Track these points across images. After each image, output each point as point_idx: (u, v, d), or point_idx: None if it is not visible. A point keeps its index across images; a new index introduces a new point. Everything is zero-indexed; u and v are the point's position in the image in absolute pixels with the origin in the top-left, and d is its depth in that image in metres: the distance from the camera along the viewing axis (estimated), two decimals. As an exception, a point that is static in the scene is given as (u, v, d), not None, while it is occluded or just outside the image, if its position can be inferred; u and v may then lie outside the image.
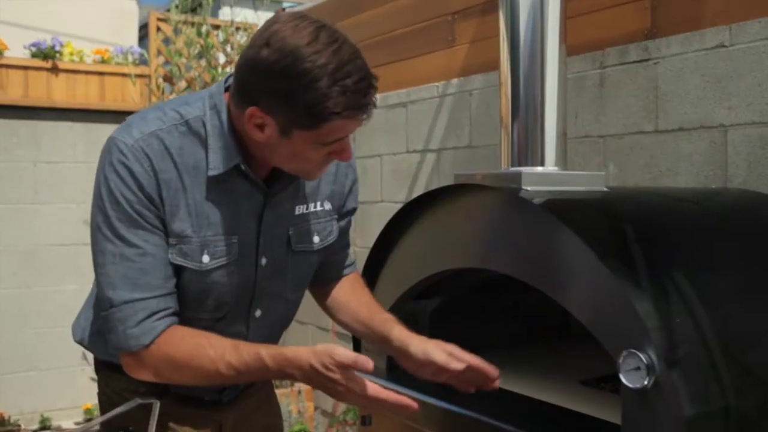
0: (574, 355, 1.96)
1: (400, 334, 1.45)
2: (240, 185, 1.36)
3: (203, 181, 1.33)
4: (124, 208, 1.28)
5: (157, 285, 1.30)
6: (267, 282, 1.45)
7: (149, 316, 1.30)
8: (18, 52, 4.59)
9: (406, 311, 1.79)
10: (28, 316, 4.45)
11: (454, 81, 2.91)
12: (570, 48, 1.98)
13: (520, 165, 1.72)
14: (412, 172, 3.12)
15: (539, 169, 1.69)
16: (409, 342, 1.43)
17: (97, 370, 1.54)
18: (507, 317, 2.05)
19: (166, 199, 1.30)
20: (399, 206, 1.81)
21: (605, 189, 1.64)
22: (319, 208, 1.50)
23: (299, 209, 1.46)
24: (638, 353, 1.18)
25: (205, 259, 1.34)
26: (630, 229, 1.40)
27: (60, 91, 4.58)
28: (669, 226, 1.51)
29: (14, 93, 4.45)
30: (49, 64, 4.54)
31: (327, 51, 1.20)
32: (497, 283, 1.68)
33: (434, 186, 2.94)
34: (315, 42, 1.20)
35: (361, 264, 1.83)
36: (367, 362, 1.21)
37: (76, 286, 4.41)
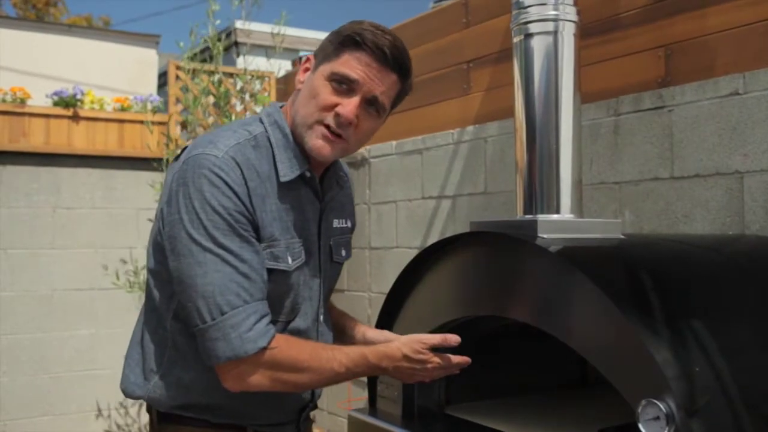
0: (592, 404, 1.94)
1: (355, 326, 1.64)
2: (305, 192, 1.47)
3: (276, 189, 1.41)
4: (223, 215, 1.32)
5: (260, 289, 1.35)
6: (325, 287, 1.55)
7: (260, 319, 1.33)
8: (40, 100, 4.67)
9: (421, 358, 1.78)
10: (43, 360, 4.45)
11: (470, 128, 2.93)
12: (584, 96, 2.00)
13: (535, 212, 1.72)
14: (428, 218, 3.13)
15: (555, 216, 1.69)
16: (365, 331, 1.62)
17: (160, 427, 1.47)
18: (524, 365, 2.03)
19: (256, 206, 1.36)
20: (414, 252, 1.81)
21: (621, 236, 1.63)
22: (346, 224, 1.62)
23: (336, 222, 1.58)
24: (657, 402, 1.16)
25: (290, 260, 1.42)
26: (647, 277, 1.39)
27: (80, 139, 4.65)
28: (686, 273, 1.50)
29: (36, 140, 4.52)
30: (70, 112, 4.62)
31: (378, 30, 1.39)
32: (513, 330, 1.67)
33: (449, 232, 2.95)
34: (378, 28, 1.40)
35: (376, 310, 1.83)
36: (454, 337, 1.42)
37: (92, 331, 4.43)
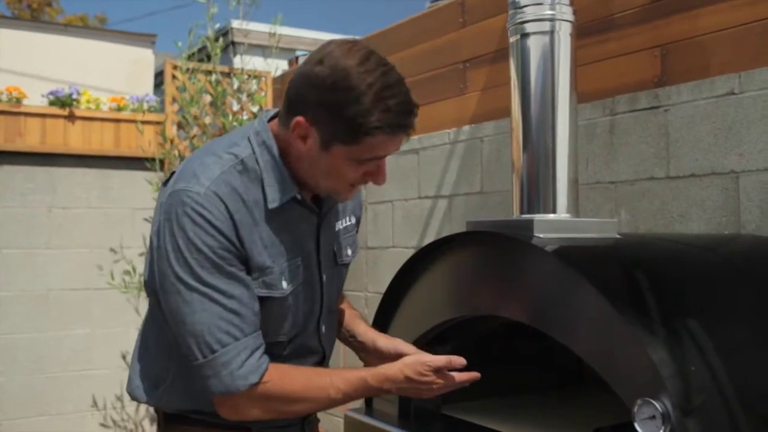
0: (588, 403, 1.94)
1: (366, 331, 1.60)
2: (297, 211, 1.42)
3: (266, 214, 1.38)
4: (207, 254, 1.29)
5: (252, 322, 1.34)
6: (327, 296, 1.52)
7: (251, 354, 1.32)
8: (36, 100, 4.67)
9: (418, 358, 1.78)
10: (40, 360, 4.44)
11: (466, 128, 2.94)
12: (580, 95, 2.00)
13: (531, 212, 1.72)
14: (424, 217, 3.13)
15: (551, 216, 1.70)
16: (376, 338, 1.56)
17: (168, 427, 1.49)
18: (520, 364, 2.03)
19: (244, 238, 1.33)
20: (410, 252, 1.81)
21: (617, 236, 1.64)
22: (348, 222, 1.59)
23: (338, 225, 1.55)
24: (653, 402, 1.17)
25: (284, 285, 1.39)
26: (643, 277, 1.39)
27: (76, 138, 4.65)
28: (682, 273, 1.50)
29: (32, 140, 4.51)
30: (66, 112, 4.61)
31: (375, 72, 1.29)
32: (510, 330, 1.67)
33: (446, 232, 2.95)
34: (365, 63, 1.29)
35: (372, 310, 1.83)
36: (459, 359, 1.38)
37: (87, 331, 4.43)
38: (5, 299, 4.35)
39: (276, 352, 1.41)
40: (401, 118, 1.31)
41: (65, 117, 4.61)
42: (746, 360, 1.34)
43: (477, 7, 2.96)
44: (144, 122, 4.63)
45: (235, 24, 4.82)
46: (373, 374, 1.39)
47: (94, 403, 4.44)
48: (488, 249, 1.62)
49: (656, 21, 2.19)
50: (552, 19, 1.75)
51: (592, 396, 1.97)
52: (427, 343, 1.82)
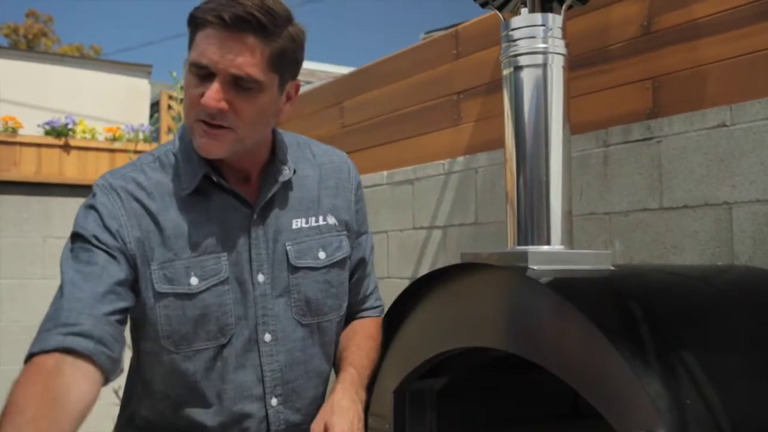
0: (585, 436, 1.93)
1: (344, 369, 1.47)
2: (221, 200, 1.36)
3: (181, 205, 1.33)
4: (84, 235, 1.29)
5: (82, 298, 1.21)
6: (270, 302, 1.40)
7: (58, 325, 1.17)
8: (32, 130, 4.69)
9: (412, 390, 1.77)
10: (31, 392, 4.42)
11: (460, 158, 2.95)
12: (574, 127, 2.02)
13: (526, 243, 1.72)
14: (419, 248, 3.13)
15: (545, 248, 1.70)
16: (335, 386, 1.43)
17: None
18: (515, 397, 2.02)
19: (133, 229, 1.30)
20: (405, 282, 1.81)
21: (612, 267, 1.64)
22: (321, 222, 1.47)
23: (297, 223, 1.43)
24: (649, 436, 1.16)
25: (194, 281, 1.32)
26: (638, 309, 1.39)
27: (71, 168, 4.67)
28: (677, 305, 1.50)
29: (27, 170, 4.53)
30: (61, 142, 4.63)
31: None
32: (505, 362, 1.67)
33: (440, 262, 2.95)
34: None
35: (367, 342, 1.81)
36: None
37: (81, 362, 4.40)
38: (-3, 330, 4.33)
39: (204, 363, 1.33)
40: (212, 6, 1.22)
41: (61, 147, 4.63)
42: (742, 392, 1.33)
43: (471, 39, 2.98)
44: (139, 152, 4.64)
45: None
46: None
47: (86, 435, 4.41)
48: (483, 281, 1.62)
49: (647, 53, 2.21)
50: (545, 52, 1.77)
51: (588, 429, 1.96)
52: (422, 375, 1.81)
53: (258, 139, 1.36)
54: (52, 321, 1.18)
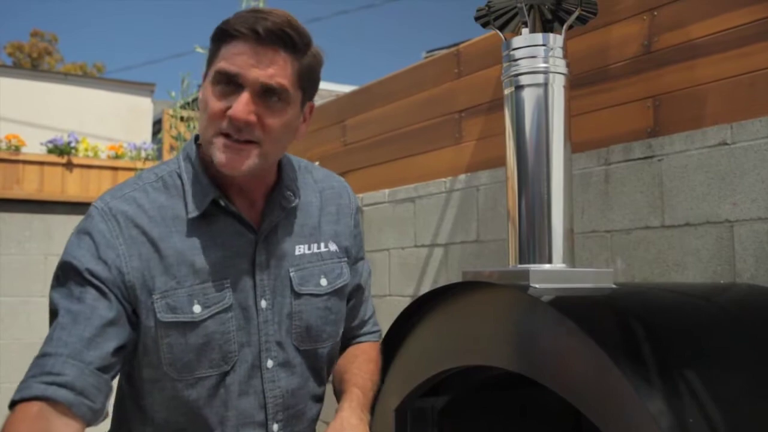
0: (587, 455, 1.92)
1: (347, 391, 1.44)
2: (226, 225, 1.33)
3: (184, 229, 1.30)
4: (77, 268, 1.25)
5: (70, 342, 1.19)
6: (272, 328, 1.37)
7: (42, 374, 1.16)
8: (35, 148, 4.71)
9: (414, 409, 1.76)
10: (31, 411, 4.41)
11: (462, 177, 2.96)
12: (575, 145, 2.03)
13: (527, 262, 1.72)
14: (420, 266, 3.13)
15: (547, 266, 1.70)
16: (339, 408, 1.40)
17: None
18: (517, 415, 2.01)
19: (134, 257, 1.27)
20: (407, 301, 1.81)
21: (614, 286, 1.64)
22: (323, 249, 1.44)
23: (300, 249, 1.41)
24: (652, 455, 1.15)
25: (197, 309, 1.28)
26: (640, 327, 1.39)
27: (74, 186, 4.68)
28: (679, 323, 1.50)
29: (29, 188, 4.54)
30: (64, 160, 4.65)
31: (248, 14, 1.26)
32: (507, 380, 1.66)
33: (442, 280, 2.95)
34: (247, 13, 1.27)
35: (369, 360, 1.81)
36: None
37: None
38: (-2, 348, 4.32)
39: (206, 390, 1.31)
40: (246, 21, 1.21)
41: (63, 165, 4.64)
42: (744, 411, 1.33)
43: (472, 59, 3.00)
44: (141, 169, 4.66)
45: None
46: None
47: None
48: (484, 299, 1.62)
49: (648, 72, 2.22)
50: (546, 72, 1.78)
51: (591, 447, 1.95)
52: (424, 394, 1.80)
53: (279, 157, 1.36)
54: (38, 367, 1.18)
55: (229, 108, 1.22)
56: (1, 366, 4.28)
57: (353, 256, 1.54)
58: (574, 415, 2.07)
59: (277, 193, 1.38)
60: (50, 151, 4.64)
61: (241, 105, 1.20)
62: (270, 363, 1.38)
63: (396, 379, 1.82)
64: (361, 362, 1.54)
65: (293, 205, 1.40)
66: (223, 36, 1.23)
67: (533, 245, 1.73)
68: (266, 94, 1.23)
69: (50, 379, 1.16)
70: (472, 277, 1.72)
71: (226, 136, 1.23)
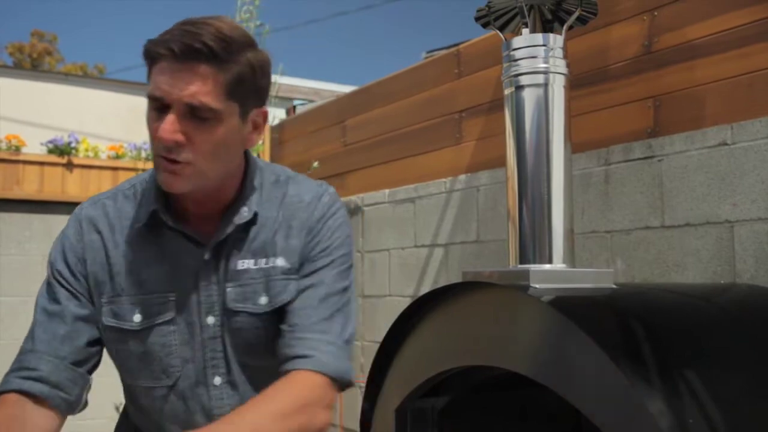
0: (587, 456, 1.92)
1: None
2: (172, 239, 1.31)
3: (137, 240, 1.32)
4: (51, 270, 1.33)
5: (44, 339, 1.29)
6: (219, 345, 1.33)
7: (19, 369, 1.27)
8: (35, 148, 4.70)
9: (414, 409, 1.76)
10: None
11: (462, 177, 2.96)
12: (575, 145, 2.03)
13: (527, 262, 1.73)
14: (420, 266, 3.13)
15: (547, 266, 1.70)
16: None
17: None
18: (517, 416, 2.01)
19: (89, 262, 1.32)
20: (407, 301, 1.81)
21: (614, 286, 1.64)
22: (271, 264, 1.34)
23: (243, 264, 1.33)
24: (652, 455, 1.15)
25: (137, 318, 1.30)
26: (640, 327, 1.39)
27: (74, 186, 4.67)
28: (679, 323, 1.50)
29: (30, 188, 4.53)
30: (64, 160, 4.64)
31: (169, 31, 1.22)
32: (507, 381, 1.66)
33: (442, 280, 2.95)
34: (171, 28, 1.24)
35: (369, 359, 1.81)
36: None
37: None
38: (-1, 348, 4.33)
39: (158, 401, 1.33)
40: (164, 38, 1.17)
41: (63, 165, 4.63)
42: (744, 411, 1.33)
43: (472, 59, 3.00)
44: (142, 170, 4.65)
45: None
46: None
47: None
48: (484, 299, 1.62)
49: (649, 73, 2.22)
50: (546, 72, 1.78)
51: (591, 448, 1.95)
52: (424, 394, 1.80)
53: (224, 173, 1.29)
54: (17, 363, 1.29)
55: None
56: (2, 366, 4.29)
57: (306, 271, 1.37)
58: (574, 415, 2.07)
59: (234, 207, 1.33)
60: (50, 152, 4.63)
61: (166, 125, 1.18)
62: (217, 380, 1.34)
63: (396, 380, 1.83)
64: (266, 412, 1.21)
65: (244, 221, 1.32)
66: (147, 57, 1.21)
67: (533, 245, 1.73)
68: (193, 112, 1.19)
69: (26, 374, 1.25)
70: (472, 277, 1.72)
71: (163, 157, 1.21)
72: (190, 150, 1.20)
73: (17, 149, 4.57)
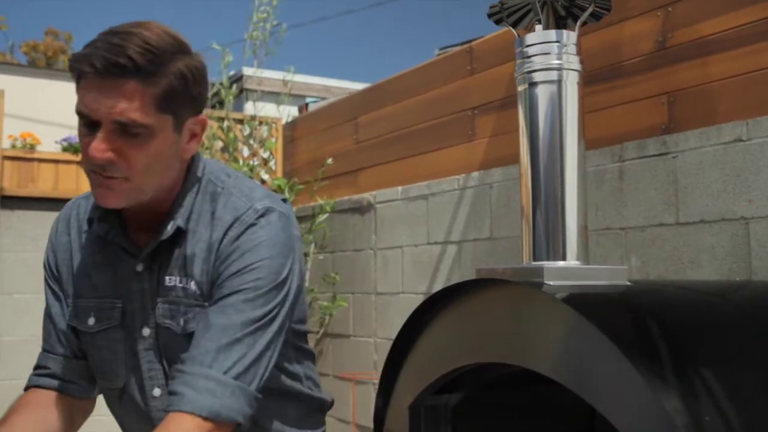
0: (601, 453, 1.91)
1: None
2: (112, 247, 1.30)
3: (91, 243, 1.36)
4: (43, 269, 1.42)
5: (46, 338, 1.41)
6: (154, 356, 1.30)
7: (36, 368, 1.41)
8: (50, 146, 4.73)
9: (428, 406, 1.76)
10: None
11: (475, 174, 2.95)
12: (589, 142, 2.02)
13: (541, 259, 1.72)
14: (433, 263, 3.13)
15: (561, 263, 1.69)
16: None
17: None
18: (531, 413, 2.01)
19: (60, 262, 1.39)
20: (420, 298, 1.81)
21: (628, 283, 1.63)
22: (187, 285, 1.27)
23: (170, 280, 1.28)
24: (667, 453, 1.15)
25: (91, 321, 1.33)
26: (654, 325, 1.38)
27: (88, 184, 4.70)
28: (694, 320, 1.49)
29: (45, 186, 4.56)
30: (78, 158, 4.66)
31: (91, 45, 1.17)
32: (521, 378, 1.66)
33: (455, 277, 2.94)
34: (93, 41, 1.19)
35: (382, 356, 1.82)
36: None
37: (96, 377, 4.42)
38: (11, 344, 4.36)
39: (116, 403, 1.38)
40: (85, 54, 1.12)
41: (78, 163, 4.66)
42: (759, 408, 1.32)
43: (485, 56, 3.00)
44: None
45: (248, 71, 4.88)
46: None
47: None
48: (498, 296, 1.62)
49: (662, 69, 2.21)
50: (559, 69, 1.77)
51: (605, 445, 1.94)
52: (437, 391, 1.80)
53: (161, 186, 1.24)
54: (36, 361, 1.42)
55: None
56: (15, 362, 4.31)
57: (213, 297, 1.26)
58: (588, 412, 2.07)
59: (165, 222, 1.27)
60: (65, 150, 4.66)
61: (96, 144, 1.14)
62: (157, 392, 1.30)
63: (409, 377, 1.82)
64: None
65: (167, 236, 1.26)
66: (72, 71, 1.17)
67: (547, 242, 1.73)
68: (123, 128, 1.14)
69: (40, 371, 1.40)
70: (485, 274, 1.72)
71: (96, 173, 1.18)
72: (124, 166, 1.16)
73: (32, 147, 4.60)
